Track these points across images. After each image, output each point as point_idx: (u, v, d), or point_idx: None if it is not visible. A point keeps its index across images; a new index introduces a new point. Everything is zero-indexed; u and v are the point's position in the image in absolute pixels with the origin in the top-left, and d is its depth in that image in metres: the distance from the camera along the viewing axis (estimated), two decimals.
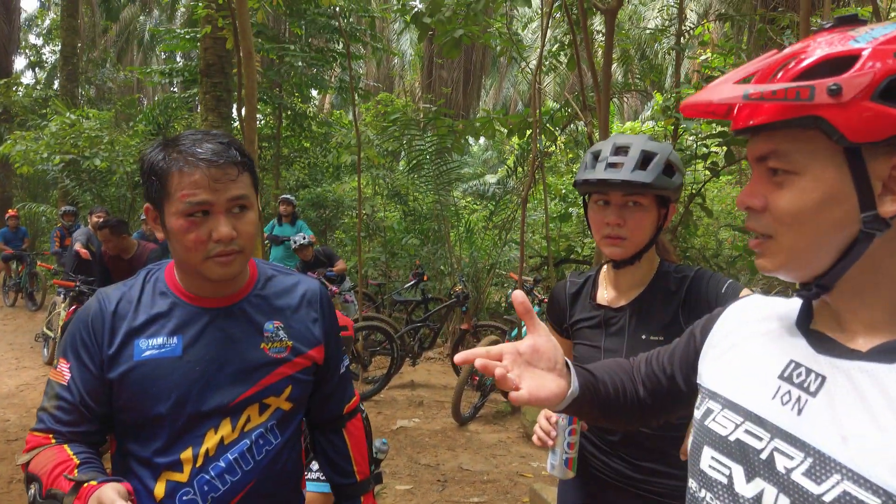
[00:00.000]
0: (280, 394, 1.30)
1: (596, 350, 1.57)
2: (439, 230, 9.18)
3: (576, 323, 1.65)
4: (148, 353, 1.22)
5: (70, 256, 6.19)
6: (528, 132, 6.41)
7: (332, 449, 1.49)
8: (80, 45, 16.47)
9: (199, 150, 1.16)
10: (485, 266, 8.88)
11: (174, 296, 1.28)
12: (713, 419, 0.85)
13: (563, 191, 9.72)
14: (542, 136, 6.81)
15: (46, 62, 23.00)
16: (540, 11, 7.29)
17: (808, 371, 0.77)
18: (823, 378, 0.75)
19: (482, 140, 20.51)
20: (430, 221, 9.33)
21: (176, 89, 16.52)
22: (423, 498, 3.91)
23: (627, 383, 1.08)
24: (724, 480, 0.80)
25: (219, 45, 8.18)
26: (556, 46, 8.04)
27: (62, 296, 6.50)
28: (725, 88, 0.74)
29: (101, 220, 5.78)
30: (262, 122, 11.94)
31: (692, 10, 12.36)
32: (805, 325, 0.83)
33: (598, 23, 8.51)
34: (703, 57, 9.53)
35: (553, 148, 8.88)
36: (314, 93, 14.75)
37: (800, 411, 0.75)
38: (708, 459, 0.83)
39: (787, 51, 0.74)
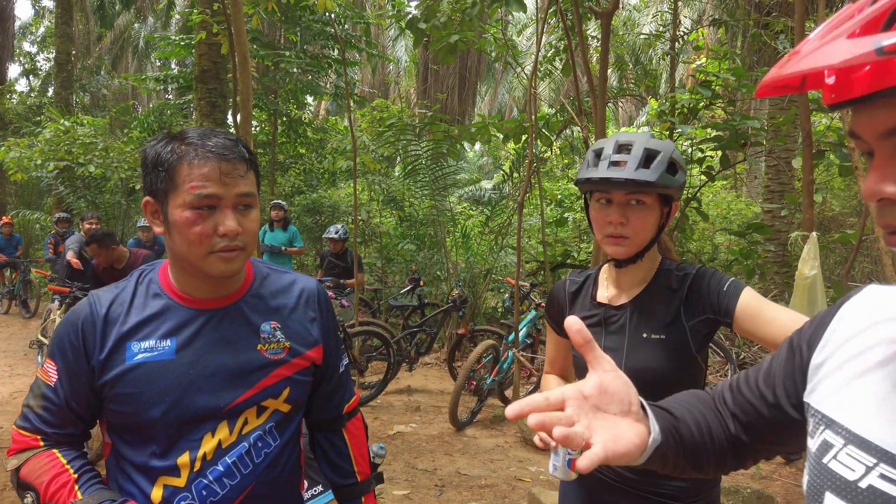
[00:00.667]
0: (278, 396, 1.28)
1: None
2: (435, 235, 9.18)
3: None
4: (140, 356, 1.19)
5: (63, 262, 6.16)
6: (524, 137, 6.41)
7: (333, 449, 1.46)
8: (74, 52, 16.46)
9: (210, 143, 1.16)
10: (481, 271, 8.88)
11: (168, 297, 1.25)
12: (834, 457, 0.67)
13: (559, 196, 9.74)
14: (538, 142, 6.83)
15: (41, 70, 22.99)
16: (535, 17, 7.31)
17: None
18: None
19: (478, 146, 20.55)
20: (426, 227, 9.33)
21: (171, 96, 16.51)
22: (420, 503, 3.89)
23: (713, 420, 0.89)
24: None
25: (214, 51, 8.19)
26: (551, 52, 8.07)
27: (57, 302, 6.46)
28: (843, 46, 0.53)
29: (92, 228, 5.75)
30: (258, 128, 11.94)
31: (686, 16, 12.42)
32: None
33: (592, 28, 8.55)
34: (697, 62, 9.58)
35: (549, 153, 8.89)
36: (309, 99, 14.74)
37: None
38: None
39: None
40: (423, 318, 7.02)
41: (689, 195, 6.45)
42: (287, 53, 10.52)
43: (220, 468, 1.21)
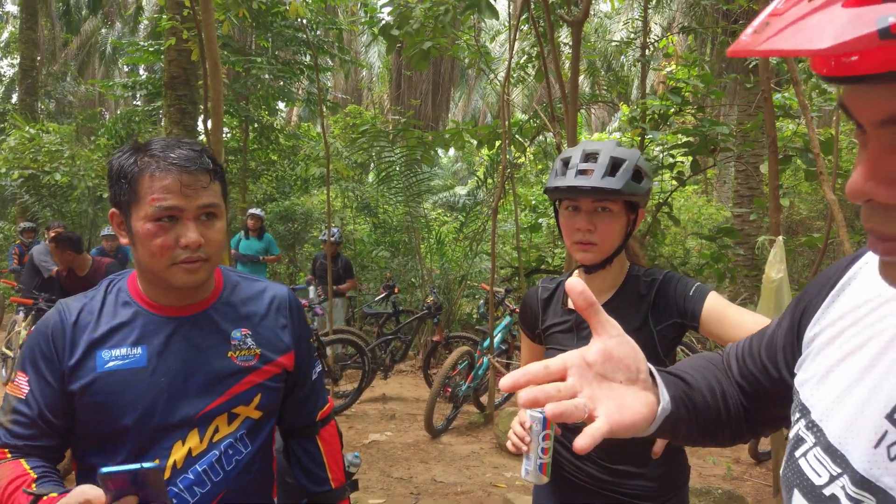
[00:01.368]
0: (249, 403, 1.28)
1: None
2: (410, 242, 9.16)
3: (548, 328, 1.66)
4: (111, 363, 1.19)
5: (28, 273, 6.00)
6: (498, 143, 6.44)
7: (307, 456, 1.46)
8: (39, 58, 16.12)
9: (172, 156, 1.15)
10: (456, 277, 8.88)
11: (137, 305, 1.25)
12: (804, 455, 0.65)
13: (533, 201, 9.80)
14: (512, 147, 6.86)
15: (4, 76, 22.47)
16: (507, 24, 7.37)
17: None
18: None
19: (452, 152, 20.59)
20: (400, 233, 9.31)
21: (139, 102, 16.26)
22: None
23: (728, 386, 0.84)
24: None
25: (183, 57, 8.07)
26: (524, 58, 8.13)
27: (22, 314, 6.30)
28: (837, 21, 0.40)
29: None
30: (229, 134, 11.81)
31: (656, 24, 12.61)
32: None
33: (564, 35, 8.62)
34: (667, 69, 9.73)
35: (522, 159, 8.94)
36: (281, 105, 14.64)
37: None
38: None
39: None
40: (398, 326, 6.99)
41: (661, 200, 6.52)
42: (258, 59, 10.43)
43: (191, 476, 1.21)
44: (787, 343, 0.77)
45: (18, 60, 15.57)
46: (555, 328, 1.64)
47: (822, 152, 3.79)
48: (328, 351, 6.04)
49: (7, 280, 9.53)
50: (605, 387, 0.66)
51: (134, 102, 17.98)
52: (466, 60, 6.75)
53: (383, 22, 5.59)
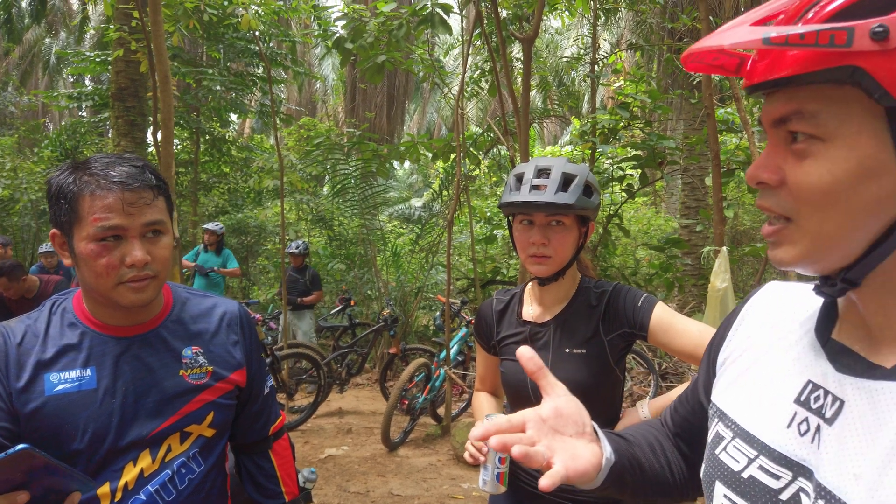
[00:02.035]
0: (202, 421, 1.27)
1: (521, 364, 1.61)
2: (366, 255, 9.12)
3: (503, 339, 1.69)
4: (60, 387, 1.16)
5: None
6: (452, 156, 6.50)
7: (259, 472, 1.45)
8: None
9: (113, 173, 1.13)
10: (412, 289, 8.88)
11: (84, 326, 1.22)
12: (724, 449, 0.73)
13: (488, 213, 9.89)
14: (466, 160, 6.93)
15: None
16: (461, 39, 7.46)
17: (826, 393, 0.64)
18: (842, 402, 0.62)
19: (407, 164, 20.64)
20: (355, 246, 9.27)
21: (85, 114, 15.81)
22: None
23: (666, 442, 0.94)
24: None
25: (132, 68, 7.92)
26: (477, 73, 8.23)
27: None
28: (740, 31, 0.59)
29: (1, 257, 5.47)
30: (180, 146, 11.59)
31: (605, 40, 12.94)
32: (825, 333, 0.69)
33: (516, 51, 8.78)
34: (616, 84, 9.98)
35: (477, 171, 9.03)
36: (233, 117, 14.45)
37: (818, 444, 0.63)
38: (721, 498, 0.72)
39: None
40: (354, 339, 6.96)
41: (612, 212, 6.68)
42: (210, 71, 10.29)
43: (143, 497, 1.19)
44: (706, 375, 0.87)
45: None
46: (509, 339, 1.67)
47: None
48: (284, 365, 5.96)
49: None
50: (559, 439, 0.77)
51: (79, 114, 17.48)
52: (421, 74, 6.80)
53: (337, 35, 5.60)
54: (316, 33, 8.33)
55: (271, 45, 11.21)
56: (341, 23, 5.64)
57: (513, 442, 0.72)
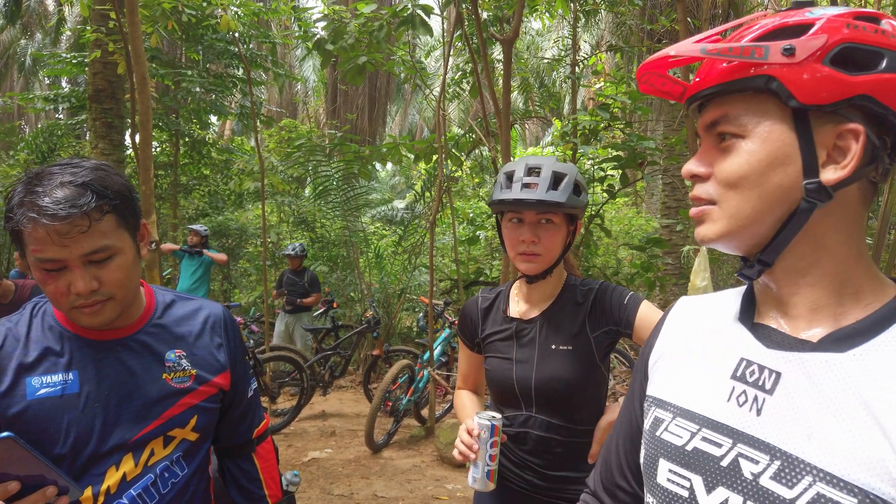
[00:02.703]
0: (185, 425, 1.26)
1: (507, 361, 1.62)
2: (348, 256, 9.09)
3: (487, 336, 1.70)
4: (42, 391, 1.15)
5: None
6: (434, 157, 6.50)
7: (243, 475, 1.44)
8: None
9: (45, 203, 1.05)
10: (395, 291, 8.86)
11: (65, 329, 1.21)
12: (665, 429, 0.80)
13: (471, 214, 9.91)
14: (448, 161, 6.94)
15: None
16: (442, 40, 7.47)
17: (762, 368, 0.74)
18: (778, 374, 0.72)
19: (389, 166, 20.59)
20: (338, 248, 9.24)
21: (62, 116, 15.59)
22: None
23: None
24: (685, 494, 0.75)
25: (109, 69, 7.82)
26: (458, 74, 8.24)
27: None
28: (686, 45, 0.74)
29: None
30: (158, 149, 11.46)
31: (585, 42, 13.02)
32: (749, 319, 0.80)
33: (497, 52, 8.81)
34: (597, 85, 10.05)
35: (459, 173, 9.05)
36: (213, 119, 14.32)
37: (759, 411, 0.72)
38: (665, 473, 0.78)
39: (746, 18, 0.77)
40: (337, 341, 6.93)
41: (593, 212, 6.72)
42: (189, 72, 10.19)
43: (125, 501, 1.18)
44: (640, 390, 0.93)
45: None
46: (494, 336, 1.68)
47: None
48: (266, 368, 5.92)
49: None
50: None
51: (56, 116, 17.24)
52: (402, 76, 6.80)
53: (318, 36, 5.58)
54: (296, 34, 8.28)
55: (251, 46, 11.13)
56: (322, 24, 5.62)
57: None
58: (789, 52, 0.68)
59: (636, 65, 9.90)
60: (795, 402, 0.69)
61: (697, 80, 0.77)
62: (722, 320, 0.83)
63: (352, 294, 9.01)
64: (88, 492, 1.16)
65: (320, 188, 8.86)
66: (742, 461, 0.71)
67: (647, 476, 0.82)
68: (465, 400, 1.80)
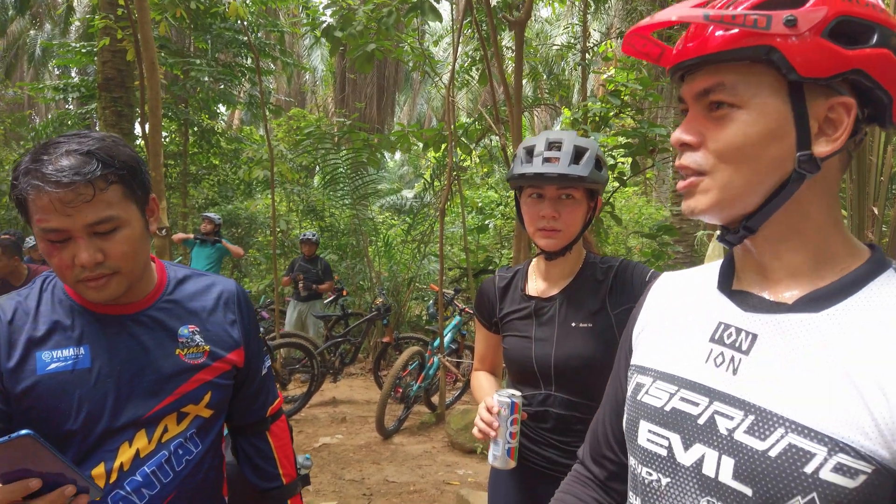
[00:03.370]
0: (199, 401, 1.24)
1: (526, 340, 1.61)
2: (357, 245, 9.10)
3: (506, 316, 1.68)
4: (53, 366, 1.13)
5: None
6: (444, 146, 6.47)
7: (257, 453, 1.42)
8: None
9: (49, 170, 1.02)
10: (404, 279, 8.87)
11: (75, 303, 1.18)
12: (646, 392, 0.83)
13: (480, 203, 9.88)
14: (458, 150, 6.91)
15: None
16: (451, 27, 7.42)
17: (739, 330, 0.76)
18: (755, 335, 0.75)
19: (398, 155, 20.58)
20: (347, 237, 9.24)
21: (71, 105, 15.64)
22: None
23: (595, 495, 0.99)
24: (664, 452, 0.78)
25: (118, 58, 7.83)
26: (467, 62, 8.20)
27: None
28: (687, 10, 0.72)
29: None
30: (168, 138, 11.48)
31: (595, 29, 12.91)
32: (727, 286, 0.82)
33: (507, 39, 8.75)
34: (607, 73, 9.98)
35: (468, 161, 9.01)
36: (222, 108, 14.33)
37: (735, 371, 0.74)
38: (645, 433, 0.81)
39: None
40: (347, 328, 6.95)
41: (604, 200, 6.68)
42: (197, 61, 10.18)
43: (139, 478, 1.17)
44: (628, 353, 0.95)
45: None
46: (513, 315, 1.67)
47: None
48: (277, 355, 5.94)
49: None
50: None
51: (66, 106, 17.31)
52: (411, 63, 6.76)
53: (326, 24, 5.56)
54: (304, 23, 8.25)
55: (259, 35, 11.11)
56: (330, 11, 5.59)
57: None
58: (791, 23, 0.68)
59: None
60: (770, 361, 0.72)
61: (690, 45, 0.75)
62: (702, 290, 0.86)
63: (361, 282, 9.02)
64: (101, 468, 1.14)
65: (329, 177, 8.86)
66: (718, 418, 0.73)
67: (629, 439, 0.85)
68: (482, 381, 1.79)
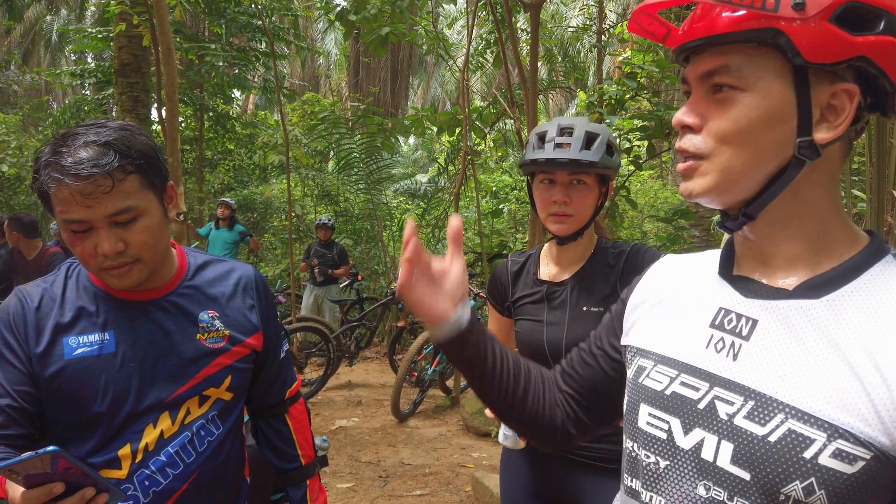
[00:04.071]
0: (220, 384, 1.28)
1: (538, 324, 1.62)
2: (372, 230, 9.13)
3: (518, 300, 1.70)
4: (79, 351, 1.16)
5: None
6: (458, 130, 6.45)
7: (276, 435, 1.46)
8: None
9: (68, 162, 1.05)
10: None
11: (99, 290, 1.22)
12: (647, 376, 0.83)
13: (494, 188, 9.86)
14: (472, 134, 6.89)
15: None
16: (465, 10, 7.37)
17: (739, 316, 0.77)
18: (755, 321, 0.75)
19: (412, 140, 20.54)
20: (362, 221, 9.28)
21: (88, 91, 15.75)
22: (365, 495, 3.89)
23: (550, 385, 1.01)
24: (664, 436, 0.79)
25: (134, 43, 7.86)
26: (482, 45, 8.13)
27: None
28: None
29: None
30: (183, 123, 11.55)
31: (611, 10, 12.76)
32: (728, 272, 0.83)
33: (522, 21, 8.67)
34: (623, 55, 9.87)
35: (483, 145, 8.98)
36: (237, 93, 14.37)
37: (735, 356, 0.75)
38: (645, 416, 0.82)
39: None
40: (362, 313, 6.99)
41: (619, 184, 6.64)
42: (212, 46, 10.20)
43: (163, 458, 1.21)
44: (609, 330, 0.98)
45: None
46: (525, 299, 1.69)
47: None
48: (293, 339, 6.00)
49: None
50: (431, 286, 0.91)
51: (83, 91, 17.43)
52: (425, 47, 6.73)
53: (340, 7, 5.54)
54: (318, 6, 8.22)
55: (273, 19, 11.10)
56: None
57: (408, 257, 0.86)
58: (800, 6, 0.67)
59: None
60: (770, 347, 0.72)
61: (696, 26, 0.74)
62: (702, 275, 0.86)
63: (376, 267, 9.07)
64: (127, 449, 1.18)
65: (343, 161, 8.87)
66: (718, 403, 0.74)
67: (629, 421, 0.85)
68: None
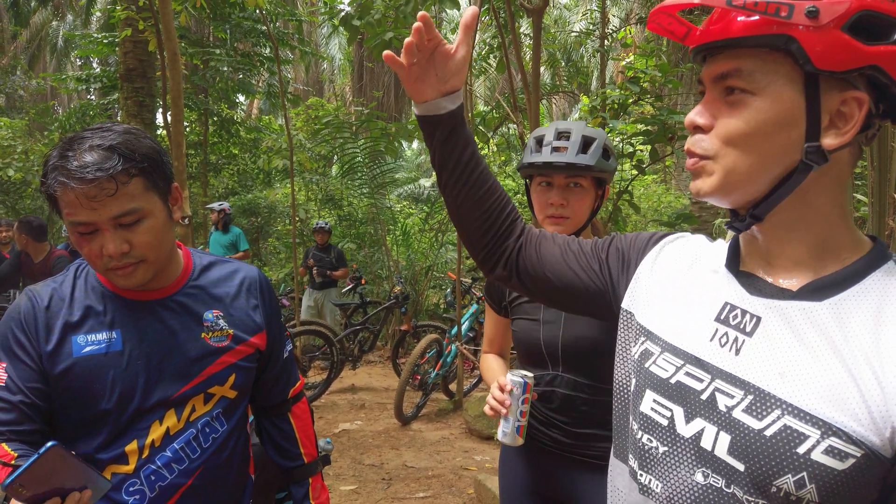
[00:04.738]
0: (224, 382, 1.30)
1: (535, 323, 1.65)
2: (375, 234, 9.15)
3: (515, 299, 1.73)
4: (88, 349, 1.20)
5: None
6: None
7: (279, 433, 1.49)
8: None
9: (74, 166, 1.07)
10: (422, 268, 8.91)
11: (106, 289, 1.25)
12: (654, 363, 0.86)
13: None
14: (475, 138, 6.91)
15: None
16: None
17: (744, 312, 0.79)
18: (759, 318, 0.77)
19: (415, 144, 20.57)
20: (365, 226, 9.30)
21: (93, 96, 15.83)
22: (368, 497, 3.90)
23: (507, 197, 1.04)
24: (665, 423, 0.82)
25: (140, 48, 7.91)
26: (485, 50, 8.17)
27: None
28: None
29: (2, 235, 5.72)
30: (188, 128, 11.60)
31: (614, 15, 12.80)
32: (734, 266, 0.85)
33: (525, 26, 8.71)
34: (626, 59, 9.90)
35: (486, 150, 9.00)
36: (241, 98, 14.43)
37: (738, 351, 0.77)
38: (650, 402, 0.85)
39: None
40: (366, 317, 7.01)
41: (622, 188, 6.65)
42: (217, 51, 10.26)
43: (169, 454, 1.23)
44: (615, 267, 0.98)
45: None
46: (521, 299, 1.71)
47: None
48: (297, 342, 6.02)
49: None
50: (429, 65, 0.92)
51: (88, 96, 17.52)
52: None
53: (344, 13, 5.57)
54: (322, 11, 8.26)
55: (277, 24, 11.16)
56: (347, 0, 5.60)
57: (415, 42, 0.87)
58: (813, 14, 0.68)
59: (666, 38, 9.71)
60: (772, 345, 0.75)
61: (713, 28, 0.76)
62: (711, 265, 0.88)
63: (379, 271, 9.09)
64: (134, 445, 1.21)
65: (347, 166, 8.90)
66: (719, 395, 0.77)
67: (634, 404, 0.88)
68: (491, 363, 1.85)
